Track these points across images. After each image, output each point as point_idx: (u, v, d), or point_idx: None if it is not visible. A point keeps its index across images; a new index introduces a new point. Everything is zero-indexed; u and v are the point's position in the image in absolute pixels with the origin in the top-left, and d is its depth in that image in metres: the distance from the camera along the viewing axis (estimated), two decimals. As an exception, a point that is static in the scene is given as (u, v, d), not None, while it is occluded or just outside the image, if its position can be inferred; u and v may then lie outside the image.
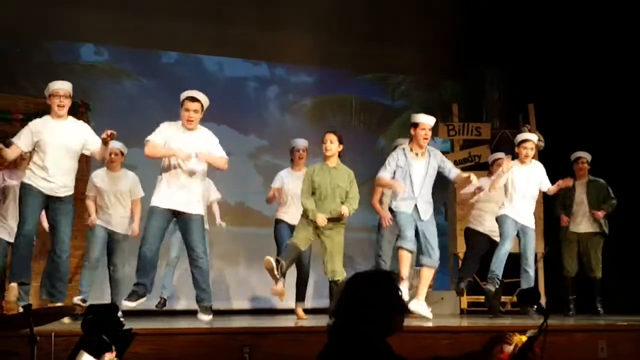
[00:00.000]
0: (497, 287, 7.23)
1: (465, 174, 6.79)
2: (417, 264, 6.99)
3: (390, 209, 6.92)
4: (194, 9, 9.68)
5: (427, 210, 6.77)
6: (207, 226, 7.51)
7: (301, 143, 7.69)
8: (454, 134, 9.36)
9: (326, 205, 6.58)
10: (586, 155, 8.16)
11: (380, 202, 7.58)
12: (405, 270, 6.66)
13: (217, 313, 8.16)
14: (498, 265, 7.18)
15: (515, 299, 8.32)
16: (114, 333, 3.48)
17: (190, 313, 7.72)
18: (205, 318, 6.25)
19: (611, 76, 9.03)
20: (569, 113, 9.30)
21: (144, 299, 6.22)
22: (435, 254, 6.76)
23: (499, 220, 7.27)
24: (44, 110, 7.72)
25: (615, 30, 8.98)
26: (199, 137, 6.31)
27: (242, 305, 8.66)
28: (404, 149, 6.78)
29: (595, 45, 9.16)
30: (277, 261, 6.51)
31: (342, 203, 6.61)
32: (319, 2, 10.03)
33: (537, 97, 9.40)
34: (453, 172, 6.83)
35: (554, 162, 8.45)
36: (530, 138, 7.34)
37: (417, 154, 6.74)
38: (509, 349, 3.74)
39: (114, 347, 3.38)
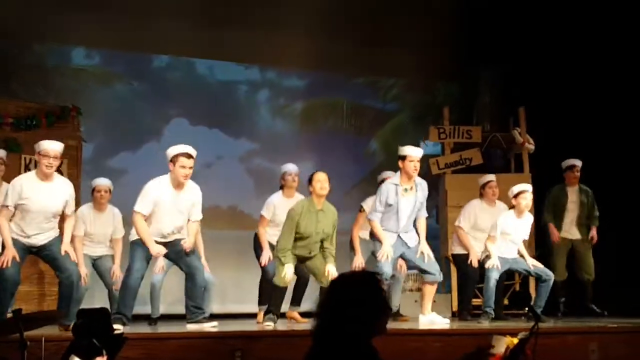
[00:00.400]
0: (491, 318, 7.22)
1: (422, 228, 6.83)
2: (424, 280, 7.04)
3: (371, 234, 6.89)
4: (185, 12, 9.65)
5: (411, 237, 6.80)
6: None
7: (293, 169, 7.55)
8: (445, 137, 9.37)
9: (307, 245, 6.55)
10: (579, 163, 8.19)
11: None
12: None
13: (209, 317, 8.16)
14: (489, 296, 7.20)
15: (507, 302, 8.33)
16: (104, 337, 3.48)
17: (181, 317, 7.73)
18: (208, 325, 6.20)
19: (602, 80, 9.06)
20: (559, 116, 9.33)
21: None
22: (434, 267, 6.78)
23: (486, 267, 7.27)
24: (34, 114, 7.73)
25: (607, 35, 9.02)
26: (187, 194, 6.27)
27: (234, 309, 8.63)
28: (396, 186, 6.70)
29: (587, 49, 9.19)
30: (268, 311, 6.54)
31: (322, 245, 6.59)
32: (310, 5, 10.03)
33: (527, 100, 9.43)
34: (420, 214, 6.85)
35: (544, 165, 8.50)
36: (527, 189, 7.27)
37: (406, 190, 6.70)
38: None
39: (104, 352, 3.37)
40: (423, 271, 6.88)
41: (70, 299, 6.00)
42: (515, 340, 3.80)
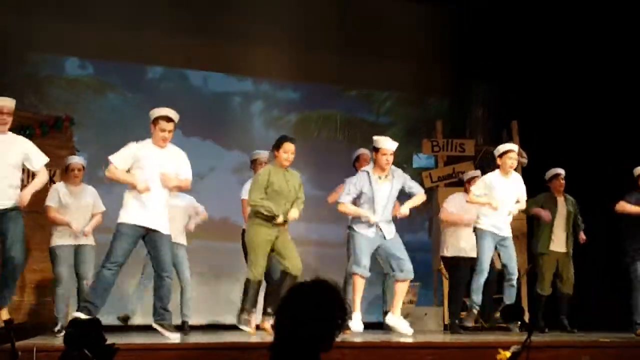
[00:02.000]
0: (475, 317, 7.20)
1: (421, 198, 6.84)
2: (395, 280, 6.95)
3: (350, 227, 6.87)
4: (179, 24, 9.70)
5: (390, 230, 6.75)
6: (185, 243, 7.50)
7: (264, 155, 7.62)
8: (438, 149, 9.40)
9: (281, 204, 6.48)
10: (563, 172, 8.15)
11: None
12: (357, 297, 6.58)
13: (201, 328, 8.16)
14: (476, 293, 7.18)
15: (498, 315, 8.32)
16: (96, 347, 3.45)
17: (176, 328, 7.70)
18: (172, 336, 6.00)
19: (594, 94, 9.12)
20: (552, 130, 9.37)
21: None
22: (407, 265, 6.71)
23: (478, 234, 7.24)
24: (27, 124, 7.73)
25: (598, 49, 9.08)
26: (171, 154, 6.23)
27: (226, 320, 8.60)
28: (368, 173, 6.71)
29: (579, 64, 9.25)
30: (243, 311, 6.48)
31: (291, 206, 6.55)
32: (305, 17, 10.11)
33: (520, 114, 9.46)
34: (415, 190, 6.84)
35: (537, 179, 8.51)
36: (513, 148, 7.27)
37: (380, 177, 6.70)
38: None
39: (96, 362, 3.35)
40: (393, 268, 6.79)
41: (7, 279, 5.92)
42: (508, 354, 3.79)
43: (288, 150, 6.55)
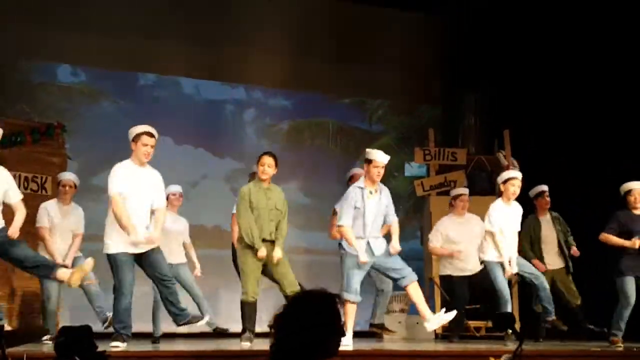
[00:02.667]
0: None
1: (394, 229, 6.76)
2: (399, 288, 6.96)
3: (340, 244, 6.79)
4: (172, 31, 9.71)
5: (379, 245, 6.67)
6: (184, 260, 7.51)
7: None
8: (430, 158, 9.41)
9: (262, 224, 6.48)
10: (547, 188, 8.08)
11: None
12: (350, 322, 6.52)
13: (194, 336, 8.13)
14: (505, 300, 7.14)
15: (490, 323, 8.33)
16: (87, 355, 3.44)
17: (167, 336, 7.70)
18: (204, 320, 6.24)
19: (587, 102, 9.15)
20: (544, 139, 9.40)
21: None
22: (406, 270, 6.66)
23: (487, 267, 7.21)
24: (18, 131, 7.71)
25: (589, 57, 9.12)
26: (149, 175, 6.17)
27: (222, 327, 8.57)
28: (362, 189, 6.66)
29: (571, 72, 9.29)
30: (244, 330, 6.45)
31: (276, 226, 6.54)
32: (298, 26, 10.13)
33: (512, 123, 9.49)
34: (390, 219, 6.77)
35: (528, 188, 8.52)
36: (517, 176, 7.22)
37: (371, 192, 6.67)
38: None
39: (87, 370, 3.34)
40: (395, 278, 6.76)
41: None
42: (499, 362, 3.80)
43: (264, 164, 6.55)
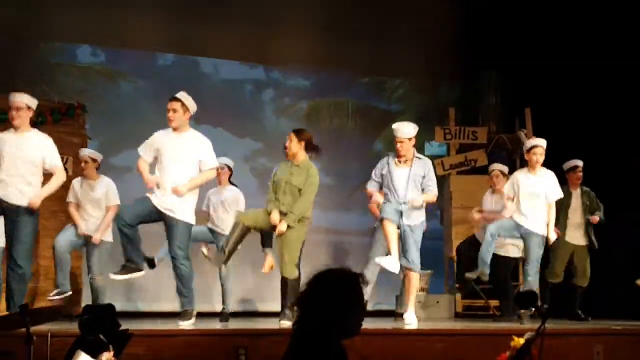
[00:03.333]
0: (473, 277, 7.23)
1: (430, 199, 6.79)
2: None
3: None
4: (191, 11, 9.69)
5: (411, 215, 6.67)
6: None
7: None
8: (450, 137, 9.37)
9: (279, 196, 6.50)
10: (581, 164, 8.07)
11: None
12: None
13: (212, 315, 8.17)
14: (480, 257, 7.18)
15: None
16: (111, 333, 3.47)
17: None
18: (183, 323, 6.05)
19: (608, 80, 9.05)
20: (565, 117, 9.31)
21: (137, 273, 6.17)
22: (411, 255, 6.67)
23: (499, 222, 7.24)
24: (39, 112, 7.73)
25: (613, 34, 9.00)
26: (189, 140, 6.21)
27: (238, 307, 8.62)
28: (388, 157, 6.85)
29: (593, 49, 9.18)
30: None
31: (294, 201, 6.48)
32: (316, 5, 10.06)
33: (533, 101, 9.41)
34: (428, 189, 6.76)
35: (550, 166, 8.47)
36: (540, 144, 7.21)
37: (399, 162, 6.73)
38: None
39: (111, 347, 3.37)
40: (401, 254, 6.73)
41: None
42: (522, 341, 3.78)
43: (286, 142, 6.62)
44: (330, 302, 2.78)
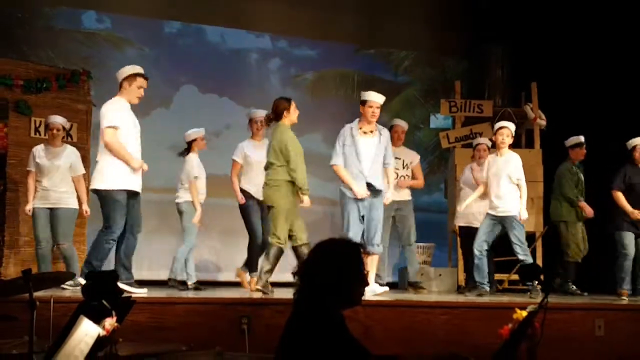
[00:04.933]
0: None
1: (388, 175, 6.78)
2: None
3: (341, 190, 6.75)
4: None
5: (381, 187, 6.66)
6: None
7: (259, 114, 7.70)
8: (456, 110, 9.31)
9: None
10: (583, 139, 8.06)
11: None
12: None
13: (214, 284, 8.21)
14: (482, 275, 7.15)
15: (513, 276, 8.33)
16: (114, 299, 3.48)
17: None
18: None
19: (616, 54, 8.98)
20: (571, 92, 9.26)
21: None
22: (376, 239, 6.64)
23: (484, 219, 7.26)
24: (44, 77, 7.72)
25: (619, 9, 8.92)
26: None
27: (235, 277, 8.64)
28: (351, 128, 6.68)
29: (599, 24, 9.09)
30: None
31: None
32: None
33: (540, 75, 9.35)
34: (386, 163, 6.73)
35: (555, 141, 8.44)
36: (506, 125, 7.17)
37: (365, 132, 6.66)
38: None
39: (114, 313, 3.37)
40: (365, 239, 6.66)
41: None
42: (524, 313, 3.77)
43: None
44: (330, 271, 2.78)
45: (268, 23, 10.18)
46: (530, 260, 7.06)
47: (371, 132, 6.67)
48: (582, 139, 8.01)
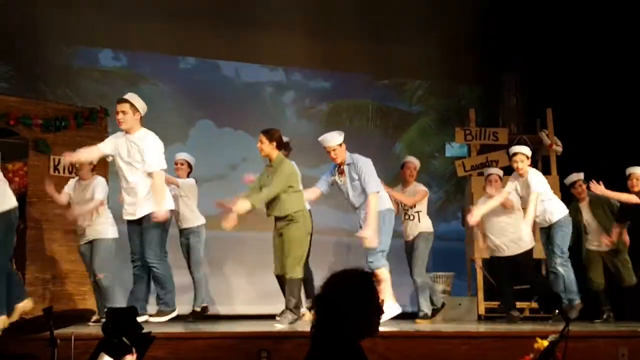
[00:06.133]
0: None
1: (368, 206, 6.67)
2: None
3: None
4: (211, 14, 9.73)
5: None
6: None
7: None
8: (471, 138, 9.33)
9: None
10: (581, 177, 8.14)
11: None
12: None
13: (233, 318, 8.20)
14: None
15: (534, 304, 8.27)
16: (134, 336, 3.49)
17: (211, 318, 7.79)
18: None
19: (630, 80, 8.97)
20: (587, 117, 9.25)
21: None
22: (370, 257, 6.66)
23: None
24: (62, 116, 7.81)
25: (633, 35, 8.93)
26: (135, 140, 6.22)
27: (259, 310, 8.63)
28: (334, 169, 6.87)
29: (612, 49, 9.11)
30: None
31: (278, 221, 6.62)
32: (336, 6, 10.07)
33: (555, 101, 9.35)
34: (367, 191, 6.68)
35: (572, 166, 8.42)
36: (519, 151, 7.41)
37: (338, 171, 6.82)
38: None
39: (134, 350, 3.38)
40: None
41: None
42: (546, 343, 3.76)
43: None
44: (345, 302, 2.78)
45: (282, 56, 10.28)
46: (563, 272, 7.32)
47: (342, 168, 6.78)
48: (574, 178, 8.15)
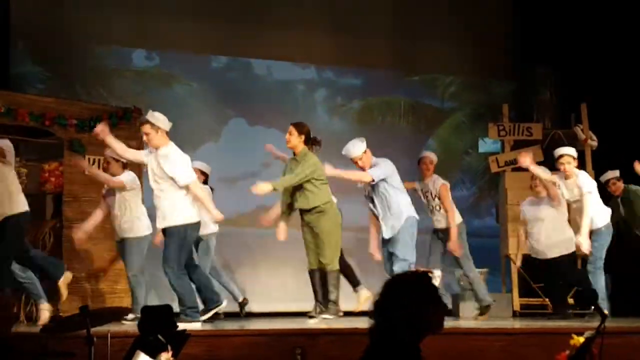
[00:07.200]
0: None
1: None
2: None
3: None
4: (243, 14, 9.79)
5: (387, 230, 6.79)
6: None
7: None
8: (505, 134, 9.24)
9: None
10: (616, 174, 8.17)
11: None
12: None
13: (269, 315, 8.24)
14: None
15: (571, 300, 8.18)
16: (169, 334, 3.52)
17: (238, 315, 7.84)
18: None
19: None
20: (622, 112, 9.13)
21: None
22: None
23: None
24: (97, 116, 7.89)
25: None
26: (160, 155, 6.28)
27: (294, 307, 8.65)
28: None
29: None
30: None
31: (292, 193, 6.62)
32: (366, 3, 10.06)
33: (589, 96, 9.24)
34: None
35: (607, 161, 8.32)
36: (565, 152, 7.31)
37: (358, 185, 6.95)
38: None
39: (169, 347, 3.42)
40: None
41: None
42: (582, 339, 3.72)
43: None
44: (409, 303, 2.78)
45: (313, 54, 10.29)
46: (590, 278, 7.16)
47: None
48: (608, 176, 8.15)
